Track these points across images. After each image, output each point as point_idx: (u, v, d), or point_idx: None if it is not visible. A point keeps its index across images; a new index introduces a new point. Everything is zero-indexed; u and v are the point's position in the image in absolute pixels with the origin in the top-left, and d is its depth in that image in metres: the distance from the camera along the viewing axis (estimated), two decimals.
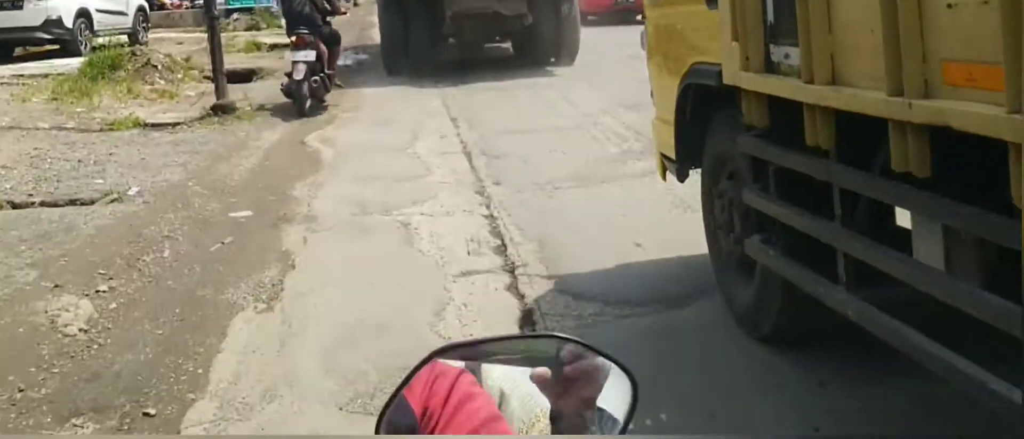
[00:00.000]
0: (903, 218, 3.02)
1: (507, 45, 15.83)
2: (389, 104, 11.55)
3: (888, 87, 2.57)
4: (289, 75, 10.87)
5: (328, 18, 11.40)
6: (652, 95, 4.93)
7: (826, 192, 3.16)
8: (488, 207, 6.47)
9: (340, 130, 10.09)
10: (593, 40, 14.80)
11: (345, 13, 13.42)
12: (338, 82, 12.11)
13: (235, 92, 11.39)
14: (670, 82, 4.39)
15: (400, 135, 9.45)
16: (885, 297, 2.97)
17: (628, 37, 15.52)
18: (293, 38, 10.87)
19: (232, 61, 13.57)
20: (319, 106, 11.02)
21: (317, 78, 10.92)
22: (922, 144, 2.53)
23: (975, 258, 2.57)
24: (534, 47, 14.07)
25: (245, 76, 13.76)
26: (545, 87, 12.17)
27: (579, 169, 7.42)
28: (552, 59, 13.91)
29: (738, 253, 4.02)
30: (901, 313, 2.87)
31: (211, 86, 11.27)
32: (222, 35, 12.26)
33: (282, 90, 11.02)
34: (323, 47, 11.02)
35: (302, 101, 10.62)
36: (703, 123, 4.22)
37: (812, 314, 3.53)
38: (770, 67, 3.32)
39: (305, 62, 10.63)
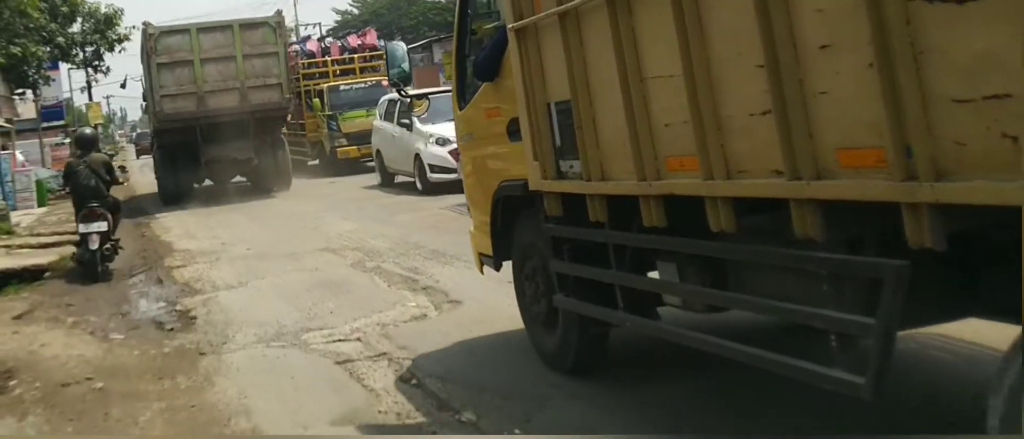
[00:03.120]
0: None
1: (246, 179, 22.56)
2: (186, 218, 17.48)
3: (636, 176, 4.29)
4: (77, 245, 11.90)
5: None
6: (469, 210, 6.56)
7: (603, 252, 4.86)
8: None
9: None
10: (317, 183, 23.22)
11: (123, 183, 14.42)
12: (121, 245, 12.84)
13: None
14: (484, 198, 6.05)
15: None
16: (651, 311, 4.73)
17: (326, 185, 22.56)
18: (84, 211, 11.72)
19: None
20: (108, 271, 11.80)
21: (109, 245, 11.95)
22: (659, 207, 4.26)
23: (697, 270, 4.31)
24: (262, 180, 21.48)
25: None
26: (272, 202, 20.03)
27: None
28: (274, 188, 21.34)
29: (544, 314, 5.65)
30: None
31: None
32: None
33: (74, 259, 11.99)
34: (110, 216, 11.98)
35: (95, 267, 11.54)
36: (511, 225, 5.89)
37: (597, 349, 5.39)
38: (560, 175, 5.01)
39: (98, 232, 11.62)
